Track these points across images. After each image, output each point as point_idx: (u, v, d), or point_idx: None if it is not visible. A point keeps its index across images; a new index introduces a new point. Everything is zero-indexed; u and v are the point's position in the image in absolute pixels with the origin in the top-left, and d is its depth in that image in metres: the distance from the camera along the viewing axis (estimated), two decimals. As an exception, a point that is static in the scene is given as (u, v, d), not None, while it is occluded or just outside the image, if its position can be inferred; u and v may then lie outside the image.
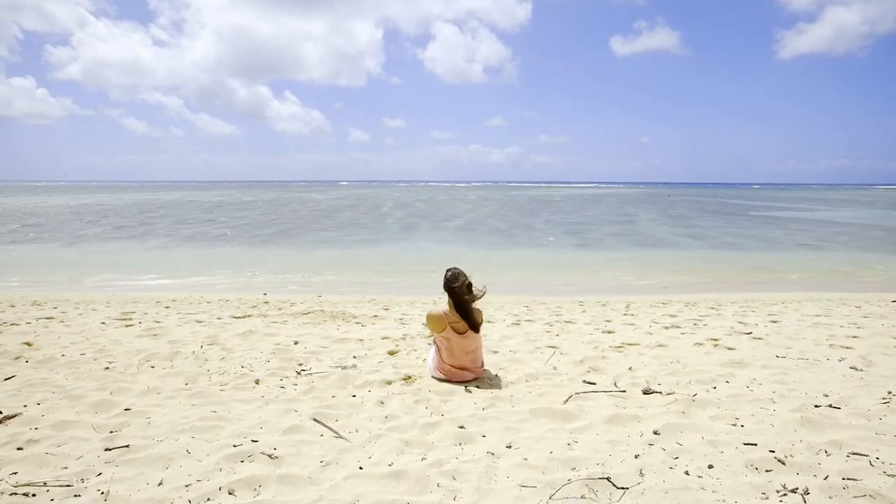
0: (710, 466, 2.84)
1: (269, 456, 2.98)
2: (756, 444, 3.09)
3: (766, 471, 2.79)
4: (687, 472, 2.78)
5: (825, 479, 2.68)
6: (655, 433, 3.32)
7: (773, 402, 3.93)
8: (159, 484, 2.66)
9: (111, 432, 3.34)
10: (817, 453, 3.00)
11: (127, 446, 3.09)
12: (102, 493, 2.56)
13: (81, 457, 2.96)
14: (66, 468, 2.82)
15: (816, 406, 3.79)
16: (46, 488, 2.60)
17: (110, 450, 3.04)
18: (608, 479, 2.65)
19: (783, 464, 2.84)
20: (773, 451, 2.99)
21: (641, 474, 2.75)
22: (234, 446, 3.11)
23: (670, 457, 2.98)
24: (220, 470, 2.82)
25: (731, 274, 14.72)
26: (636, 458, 2.96)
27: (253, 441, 3.21)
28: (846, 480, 2.65)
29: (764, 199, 69.24)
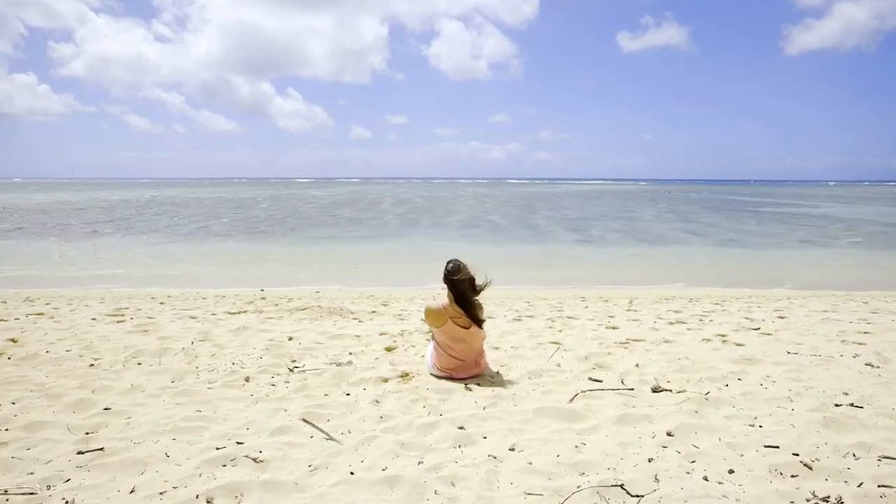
0: (731, 471, 2.62)
1: (254, 460, 2.77)
2: (778, 447, 2.87)
3: (792, 476, 2.57)
4: (706, 478, 2.56)
5: (859, 486, 2.45)
6: (669, 434, 3.10)
7: (791, 400, 3.73)
8: (131, 491, 2.44)
9: (87, 434, 3.12)
10: (845, 457, 2.78)
11: (101, 449, 2.88)
12: (68, 502, 2.35)
13: (51, 461, 2.74)
14: (32, 473, 2.60)
15: (837, 405, 3.58)
16: (6, 497, 2.38)
17: (83, 453, 2.82)
18: (621, 485, 2.43)
19: (810, 469, 2.62)
20: (798, 455, 2.77)
21: (657, 480, 2.53)
22: (217, 449, 2.90)
23: (686, 460, 2.76)
24: (200, 475, 2.61)
25: (732, 270, 14.52)
26: (650, 461, 2.75)
27: (238, 443, 3.00)
28: (882, 488, 2.42)
29: (765, 196, 68.98)
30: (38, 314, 7.28)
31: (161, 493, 2.42)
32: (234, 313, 7.53)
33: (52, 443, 2.98)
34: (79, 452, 2.84)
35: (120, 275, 13.44)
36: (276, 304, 8.53)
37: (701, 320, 7.09)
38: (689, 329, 6.42)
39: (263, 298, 9.39)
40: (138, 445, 2.96)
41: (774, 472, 2.61)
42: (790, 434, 3.08)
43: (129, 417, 3.41)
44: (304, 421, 3.32)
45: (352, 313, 7.57)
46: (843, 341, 5.64)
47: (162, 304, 8.67)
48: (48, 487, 2.48)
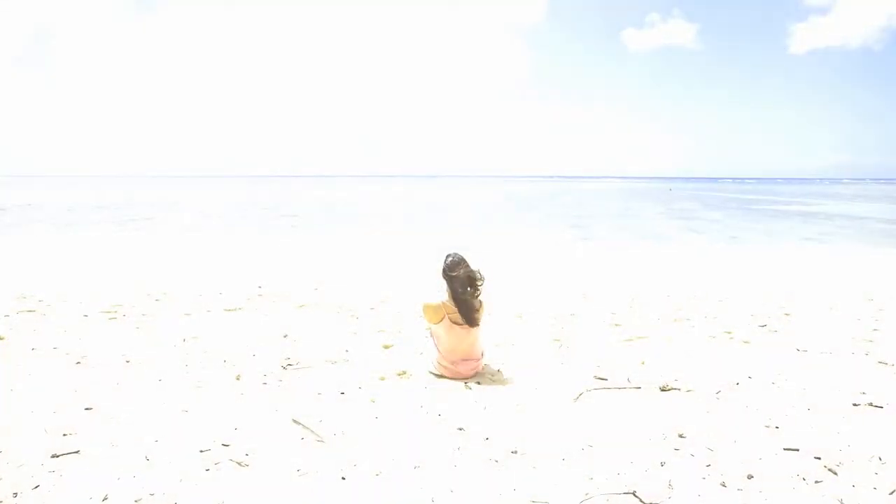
0: (750, 477, 2.45)
1: (239, 463, 2.60)
2: (798, 450, 2.70)
3: (816, 482, 2.40)
4: (723, 484, 2.39)
5: (891, 493, 2.29)
6: (681, 436, 2.93)
7: (805, 399, 3.56)
8: (104, 499, 2.28)
9: (64, 435, 2.96)
10: (870, 460, 2.61)
11: (78, 452, 2.71)
12: (34, 510, 2.19)
13: (23, 465, 2.57)
14: (0, 479, 2.43)
15: (855, 405, 3.42)
16: (-31, 505, 2.22)
17: (58, 456, 2.66)
18: (633, 493, 2.27)
19: (835, 473, 2.45)
20: (820, 458, 2.60)
21: (671, 486, 2.36)
22: (201, 451, 2.73)
23: (701, 465, 2.59)
24: (181, 480, 2.44)
25: (734, 268, 14.36)
26: (662, 465, 2.58)
27: (223, 445, 2.83)
28: (916, 495, 2.26)
29: (769, 194, 68.71)
30: (29, 311, 7.12)
31: (136, 501, 2.26)
32: (230, 310, 7.38)
33: (29, 445, 2.81)
34: (54, 456, 2.68)
35: (117, 272, 13.29)
36: (274, 301, 8.37)
37: (705, 317, 6.93)
38: (693, 326, 6.27)
39: (261, 296, 9.22)
40: (118, 448, 2.79)
41: (796, 477, 2.44)
42: (808, 435, 2.91)
43: (113, 418, 3.24)
44: (295, 422, 3.16)
45: (350, 310, 7.42)
46: (851, 338, 5.48)
47: (157, 300, 8.50)
48: (15, 495, 2.30)
